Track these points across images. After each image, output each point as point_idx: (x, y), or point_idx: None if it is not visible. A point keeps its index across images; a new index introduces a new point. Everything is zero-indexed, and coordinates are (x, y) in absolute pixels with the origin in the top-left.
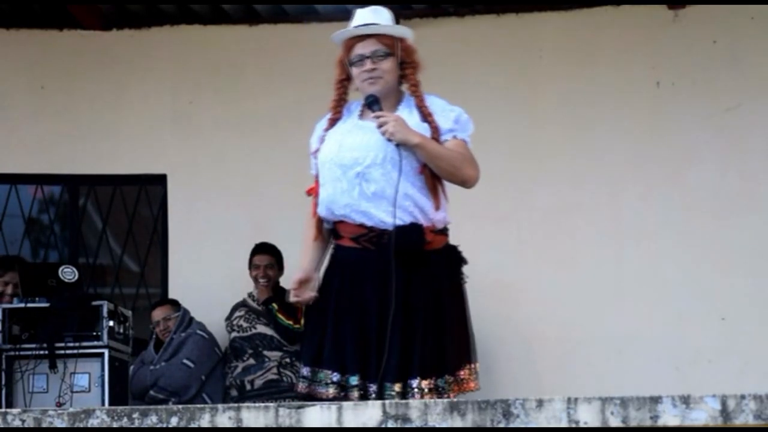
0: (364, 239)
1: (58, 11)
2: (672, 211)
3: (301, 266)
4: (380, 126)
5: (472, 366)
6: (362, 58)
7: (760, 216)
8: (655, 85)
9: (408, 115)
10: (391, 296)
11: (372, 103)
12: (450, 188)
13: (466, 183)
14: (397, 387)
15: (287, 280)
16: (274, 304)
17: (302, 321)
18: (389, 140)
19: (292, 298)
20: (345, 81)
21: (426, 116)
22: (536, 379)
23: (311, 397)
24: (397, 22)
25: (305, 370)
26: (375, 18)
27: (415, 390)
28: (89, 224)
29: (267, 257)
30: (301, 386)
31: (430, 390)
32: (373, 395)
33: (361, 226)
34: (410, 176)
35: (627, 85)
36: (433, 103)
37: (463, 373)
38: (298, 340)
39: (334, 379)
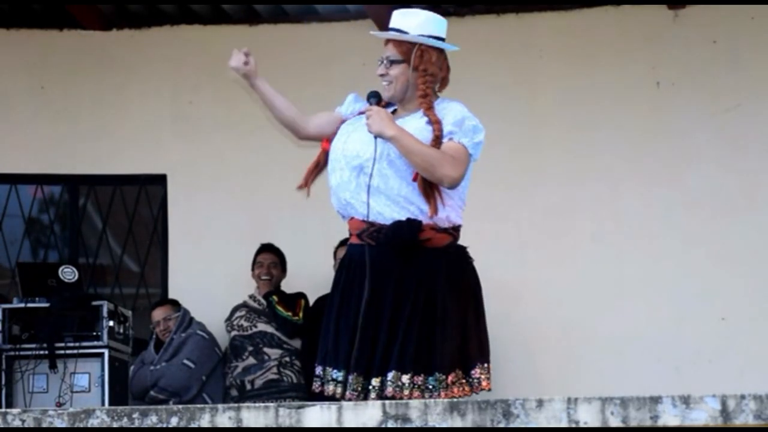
0: (365, 234)
1: (58, 11)
2: (672, 210)
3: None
4: (367, 119)
5: (485, 365)
6: (381, 61)
7: (760, 216)
8: (655, 85)
9: (419, 118)
10: (364, 289)
11: (369, 97)
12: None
13: (441, 181)
14: (375, 381)
15: (289, 284)
16: (274, 297)
17: (301, 314)
18: (370, 132)
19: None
20: None
21: (433, 122)
22: (536, 379)
23: (323, 396)
24: None
25: (318, 369)
26: (402, 21)
27: (389, 382)
28: (89, 224)
29: (270, 256)
30: (315, 386)
31: (415, 386)
32: (352, 387)
33: (363, 221)
34: (406, 177)
35: (627, 85)
36: (446, 108)
37: (475, 373)
38: (297, 334)
39: (334, 375)
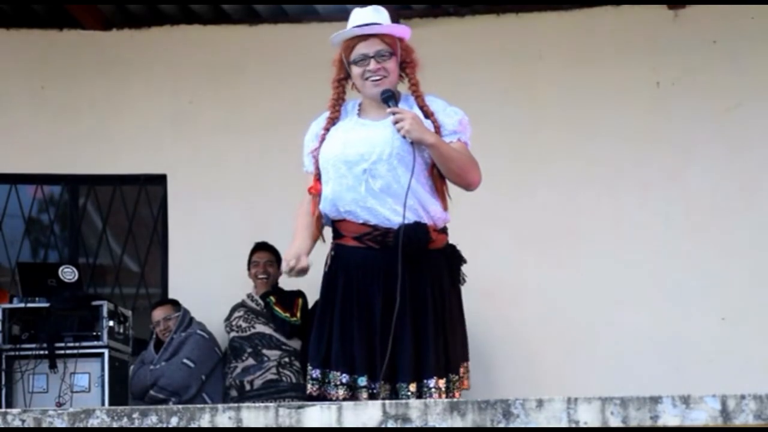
0: (367, 238)
1: (58, 11)
2: (672, 211)
3: (294, 247)
4: (396, 122)
5: (466, 364)
6: (365, 58)
7: (760, 216)
8: (655, 85)
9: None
10: (397, 295)
11: (388, 99)
12: (451, 188)
13: (470, 186)
14: (413, 387)
15: (287, 285)
16: (272, 297)
17: (298, 314)
18: (404, 137)
19: (285, 269)
20: (343, 80)
21: (428, 115)
22: (536, 379)
23: (322, 399)
24: (397, 22)
25: (315, 372)
26: (377, 17)
27: (432, 389)
28: (89, 224)
29: (266, 254)
30: (312, 388)
31: (445, 389)
32: (383, 395)
33: (365, 224)
34: (418, 174)
35: (627, 85)
36: (433, 102)
37: (461, 371)
38: (295, 335)
39: (344, 380)
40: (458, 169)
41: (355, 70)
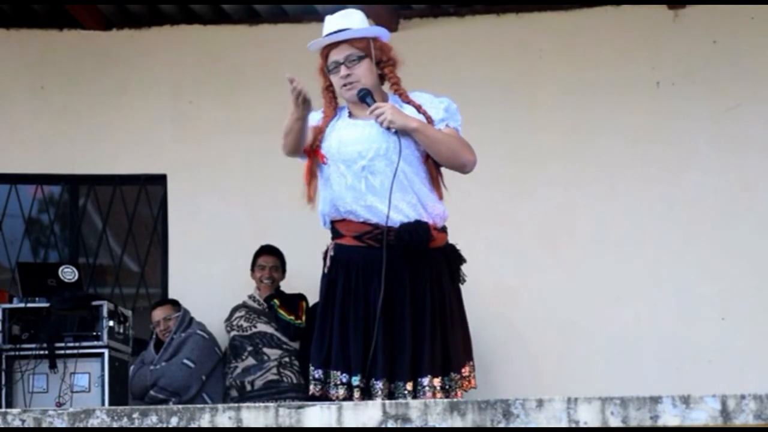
0: (368, 237)
1: (58, 11)
2: (672, 211)
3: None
4: (378, 117)
5: (472, 363)
6: (337, 65)
7: (760, 216)
8: (655, 85)
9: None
10: (380, 293)
11: (365, 96)
12: (450, 187)
13: (464, 167)
14: (409, 386)
15: (288, 285)
16: (276, 300)
17: (303, 317)
18: (388, 128)
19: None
20: (330, 87)
21: (416, 108)
22: (536, 379)
23: (325, 399)
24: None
25: (317, 373)
26: (345, 22)
27: (426, 388)
28: (89, 224)
29: (273, 258)
30: (314, 389)
31: (441, 388)
32: (379, 393)
33: (365, 223)
34: (414, 165)
35: (627, 85)
36: (420, 97)
37: (465, 371)
38: (298, 337)
39: (344, 380)
40: (447, 151)
41: (333, 79)
